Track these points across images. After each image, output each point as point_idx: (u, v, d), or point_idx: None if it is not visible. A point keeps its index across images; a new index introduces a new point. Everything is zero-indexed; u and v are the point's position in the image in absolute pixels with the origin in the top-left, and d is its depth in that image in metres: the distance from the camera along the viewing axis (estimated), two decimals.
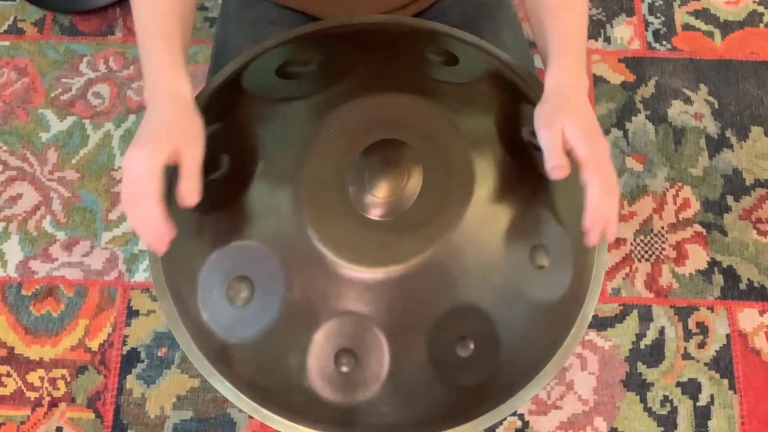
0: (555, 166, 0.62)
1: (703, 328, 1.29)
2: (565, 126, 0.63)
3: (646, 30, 1.50)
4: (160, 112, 0.63)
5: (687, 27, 1.50)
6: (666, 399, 1.25)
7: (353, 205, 0.65)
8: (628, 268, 1.32)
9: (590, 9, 1.52)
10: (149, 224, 0.60)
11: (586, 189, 0.63)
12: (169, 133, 0.62)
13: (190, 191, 0.61)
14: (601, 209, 0.63)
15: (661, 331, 1.28)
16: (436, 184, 0.65)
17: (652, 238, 1.34)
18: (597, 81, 1.46)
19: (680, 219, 1.36)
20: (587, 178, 0.63)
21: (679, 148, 1.41)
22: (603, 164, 0.64)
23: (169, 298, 0.69)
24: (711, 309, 1.30)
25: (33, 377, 1.27)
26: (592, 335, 1.28)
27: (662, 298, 1.30)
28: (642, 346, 1.28)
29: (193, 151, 0.62)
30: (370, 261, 0.63)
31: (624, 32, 1.50)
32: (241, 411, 1.12)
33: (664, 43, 1.49)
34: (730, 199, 1.37)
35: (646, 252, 1.34)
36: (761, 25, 1.51)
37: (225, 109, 0.75)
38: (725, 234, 1.35)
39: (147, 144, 0.60)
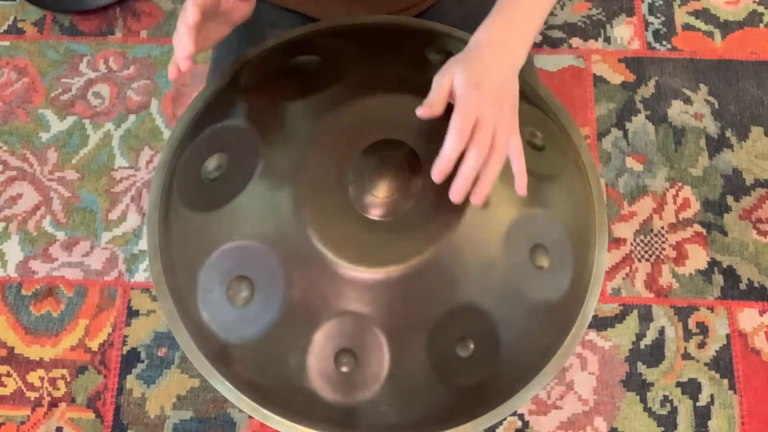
0: (423, 104, 0.62)
1: (703, 328, 1.29)
2: (455, 74, 0.63)
3: (646, 30, 1.50)
4: None
5: (687, 27, 1.50)
6: (666, 399, 1.25)
7: (353, 205, 0.65)
8: (628, 268, 1.32)
9: (590, 9, 1.52)
10: (177, 33, 0.65)
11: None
12: None
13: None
14: (449, 161, 0.61)
15: (661, 331, 1.28)
16: (436, 184, 0.65)
17: (652, 238, 1.34)
18: (597, 81, 1.46)
19: (680, 219, 1.36)
20: (450, 124, 0.61)
21: (679, 148, 1.41)
22: (472, 114, 0.62)
23: (169, 298, 0.69)
24: (711, 309, 1.30)
25: (33, 377, 1.27)
26: (592, 335, 1.28)
27: (662, 298, 1.30)
28: (642, 346, 1.28)
29: None
30: (370, 261, 0.63)
31: (624, 32, 1.50)
32: (241, 411, 1.12)
33: (664, 43, 1.49)
34: (730, 199, 1.37)
35: (646, 252, 1.34)
36: (761, 25, 1.51)
37: (225, 109, 0.75)
38: (725, 234, 1.35)
39: None
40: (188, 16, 0.64)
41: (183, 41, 0.65)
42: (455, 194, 0.62)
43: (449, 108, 0.63)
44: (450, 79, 0.63)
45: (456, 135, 0.61)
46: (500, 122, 0.63)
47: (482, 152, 0.62)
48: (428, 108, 0.62)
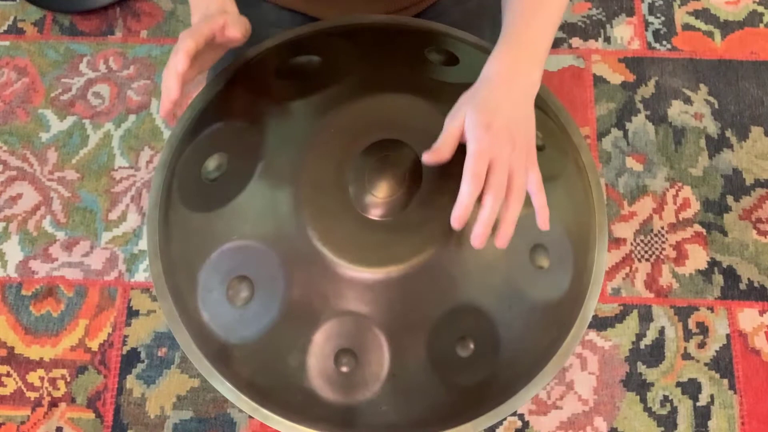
0: (432, 149, 0.61)
1: (703, 328, 1.29)
2: (466, 116, 0.62)
3: (646, 30, 1.50)
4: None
5: (687, 27, 1.50)
6: (666, 399, 1.25)
7: (353, 205, 0.65)
8: (628, 268, 1.32)
9: (590, 9, 1.52)
10: (172, 57, 0.65)
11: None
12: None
13: (238, 23, 0.68)
14: (466, 207, 0.60)
15: (661, 331, 1.28)
16: (436, 183, 0.65)
17: (652, 238, 1.34)
18: (597, 81, 1.46)
19: (680, 219, 1.36)
20: (464, 170, 0.60)
21: (679, 148, 1.41)
22: (485, 157, 0.60)
23: (169, 298, 0.69)
24: (711, 309, 1.30)
25: (33, 377, 1.27)
26: (592, 335, 1.28)
27: (662, 298, 1.30)
28: (642, 346, 1.28)
29: (243, 18, 0.70)
30: (370, 261, 0.63)
31: (624, 32, 1.50)
32: (241, 411, 1.13)
33: (664, 43, 1.49)
34: (730, 199, 1.37)
35: (646, 252, 1.34)
36: (761, 25, 1.51)
37: (225, 109, 0.75)
38: (725, 234, 1.35)
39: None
40: (178, 64, 0.64)
41: (171, 86, 0.64)
42: (476, 240, 0.60)
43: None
44: (461, 122, 0.62)
45: (471, 180, 0.60)
46: (516, 161, 0.62)
47: (499, 195, 0.61)
48: (436, 153, 0.61)
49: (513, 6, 0.70)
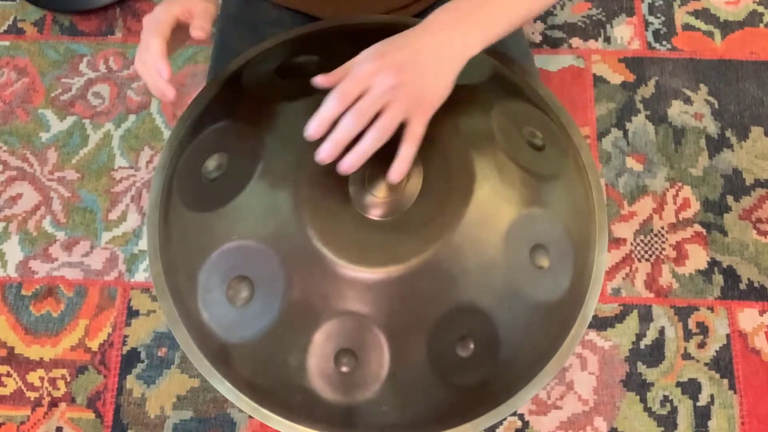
0: (321, 76, 0.60)
1: (703, 328, 1.29)
2: (369, 49, 0.60)
3: (646, 30, 1.50)
4: None
5: (687, 27, 1.50)
6: (666, 399, 1.25)
7: (353, 205, 0.65)
8: (628, 268, 1.32)
9: (590, 9, 1.52)
10: (150, 59, 0.64)
11: None
12: None
13: (202, 28, 0.66)
14: (322, 119, 0.58)
15: (661, 331, 1.28)
16: (436, 183, 0.65)
17: (652, 238, 1.34)
18: (597, 81, 1.46)
19: (680, 219, 1.36)
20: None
21: (679, 148, 1.41)
22: (361, 81, 0.58)
23: (169, 298, 0.69)
24: (711, 309, 1.30)
25: (33, 377, 1.27)
26: (592, 335, 1.28)
27: (662, 298, 1.30)
28: (642, 346, 1.28)
29: (205, 6, 0.67)
30: (370, 261, 0.63)
31: (624, 32, 1.50)
32: (241, 411, 1.13)
33: (664, 43, 1.49)
34: (730, 199, 1.37)
35: (646, 252, 1.34)
36: (761, 25, 1.51)
37: (225, 109, 0.75)
38: (725, 234, 1.35)
39: (164, 2, 0.68)
40: (161, 70, 0.63)
41: (158, 67, 0.64)
42: (319, 153, 0.58)
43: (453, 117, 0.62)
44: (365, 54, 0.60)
45: (334, 95, 0.58)
46: (396, 98, 0.58)
47: (357, 120, 0.57)
48: (327, 77, 0.59)
49: None
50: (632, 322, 1.29)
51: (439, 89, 0.61)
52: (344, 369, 0.64)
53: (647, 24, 1.51)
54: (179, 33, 0.69)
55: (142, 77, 0.66)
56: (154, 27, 0.65)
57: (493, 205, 0.66)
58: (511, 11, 0.65)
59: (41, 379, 1.27)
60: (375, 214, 0.65)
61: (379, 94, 0.58)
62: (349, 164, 0.59)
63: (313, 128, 0.58)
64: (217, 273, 0.66)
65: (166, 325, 1.22)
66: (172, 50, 0.69)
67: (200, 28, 0.66)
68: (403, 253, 0.64)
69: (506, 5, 0.65)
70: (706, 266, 1.33)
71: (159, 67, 0.64)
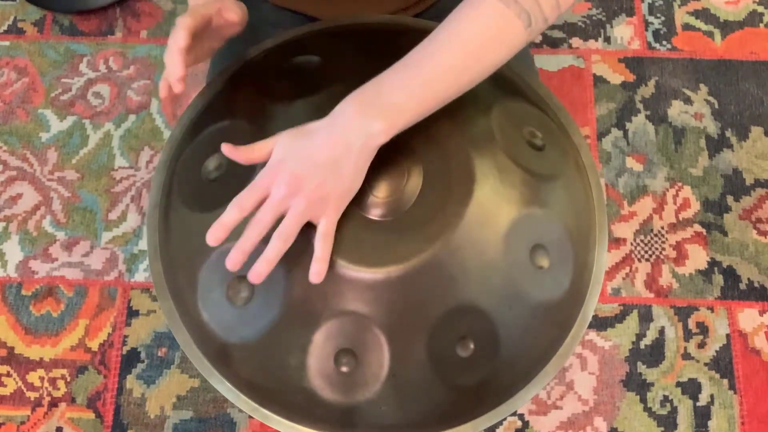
0: (232, 147, 0.62)
1: (703, 328, 1.29)
2: (277, 143, 0.61)
3: (646, 30, 1.50)
4: None
5: (687, 27, 1.50)
6: (666, 399, 1.25)
7: (353, 204, 0.65)
8: (628, 268, 1.32)
9: (590, 9, 1.52)
10: (170, 48, 0.65)
11: None
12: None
13: (234, 10, 0.69)
14: (220, 226, 0.59)
15: (661, 331, 1.28)
16: (436, 184, 0.65)
17: (652, 238, 1.34)
18: (597, 81, 1.46)
19: (680, 219, 1.36)
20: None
21: (679, 148, 1.41)
22: (258, 191, 0.60)
23: (169, 298, 0.69)
24: (711, 309, 1.30)
25: (33, 377, 1.27)
26: (592, 335, 1.28)
27: (662, 298, 1.30)
28: (642, 346, 1.28)
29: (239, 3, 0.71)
30: (370, 261, 0.63)
31: (624, 32, 1.50)
32: (241, 411, 1.13)
33: (664, 43, 1.49)
34: (730, 199, 1.37)
35: (646, 252, 1.34)
36: (761, 25, 1.51)
37: (225, 109, 0.75)
38: (725, 234, 1.35)
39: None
40: (178, 39, 0.64)
41: (174, 64, 0.65)
42: (227, 261, 0.60)
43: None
44: (271, 146, 0.61)
45: (231, 206, 0.59)
46: (294, 206, 0.59)
47: (255, 230, 0.59)
48: (232, 150, 0.61)
49: (412, 50, 0.63)
50: (632, 322, 1.29)
51: (344, 186, 0.61)
52: (344, 369, 0.64)
53: (647, 24, 1.51)
54: (208, 40, 0.70)
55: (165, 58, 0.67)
56: (186, 14, 0.66)
57: (493, 205, 0.66)
58: (424, 92, 0.61)
59: (41, 379, 1.27)
60: (375, 214, 0.65)
61: (276, 203, 0.59)
62: (258, 272, 0.60)
63: (211, 235, 0.60)
64: (217, 273, 0.66)
65: (166, 325, 1.22)
66: (198, 57, 0.70)
67: (232, 10, 0.69)
68: (403, 253, 0.64)
69: (418, 86, 0.61)
70: (706, 266, 1.33)
71: (176, 36, 0.65)
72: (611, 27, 1.51)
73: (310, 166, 0.60)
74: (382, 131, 0.60)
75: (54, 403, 1.26)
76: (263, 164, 0.65)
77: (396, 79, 0.61)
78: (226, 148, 0.62)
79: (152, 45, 1.50)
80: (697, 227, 1.35)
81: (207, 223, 0.68)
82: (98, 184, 1.40)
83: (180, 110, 0.76)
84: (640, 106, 1.44)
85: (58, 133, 1.44)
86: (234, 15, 0.69)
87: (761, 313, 1.30)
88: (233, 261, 0.60)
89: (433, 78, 0.61)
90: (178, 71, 0.65)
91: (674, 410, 1.24)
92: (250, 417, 1.13)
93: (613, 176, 1.39)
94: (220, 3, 0.69)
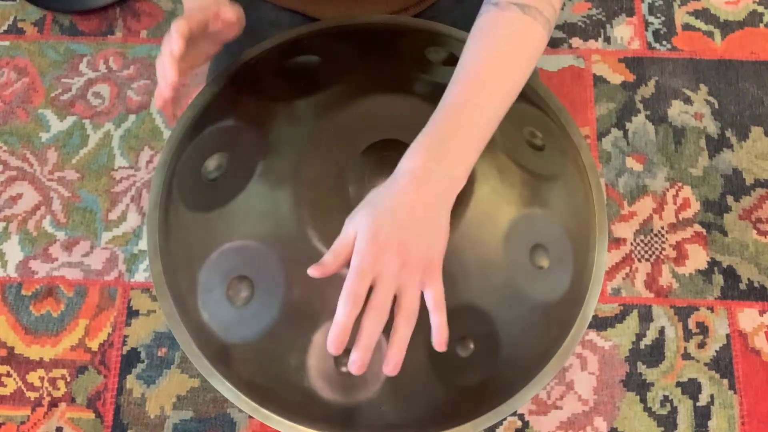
0: (318, 263, 0.56)
1: (703, 328, 1.29)
2: (358, 222, 0.57)
3: (646, 30, 1.50)
4: None
5: (687, 27, 1.50)
6: (666, 399, 1.25)
7: (353, 205, 0.65)
8: (628, 268, 1.32)
9: (590, 9, 1.52)
10: (163, 53, 0.63)
11: None
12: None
13: (231, 10, 0.68)
14: (341, 328, 0.55)
15: (661, 331, 1.28)
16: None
17: (652, 238, 1.34)
18: (597, 81, 1.46)
19: (680, 219, 1.36)
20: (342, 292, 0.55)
21: (679, 148, 1.41)
22: (367, 274, 0.55)
23: (169, 298, 0.69)
24: (711, 309, 1.30)
25: (33, 377, 1.27)
26: (592, 335, 1.28)
27: (662, 298, 1.30)
28: (642, 346, 1.28)
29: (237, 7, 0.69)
30: None
31: (624, 32, 1.50)
32: (241, 411, 1.12)
33: (664, 43, 1.49)
34: (730, 199, 1.37)
35: (646, 252, 1.34)
36: (761, 25, 1.51)
37: (225, 109, 0.75)
38: (725, 234, 1.35)
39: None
40: (173, 45, 0.62)
41: (167, 69, 0.63)
42: (353, 366, 0.55)
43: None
44: (353, 231, 0.56)
45: (345, 300, 0.54)
46: (406, 278, 0.55)
47: (379, 318, 0.55)
48: (321, 268, 0.56)
49: (455, 82, 0.61)
50: (632, 322, 1.29)
51: (441, 239, 0.58)
52: (344, 369, 0.64)
53: (647, 24, 1.51)
54: (205, 43, 0.69)
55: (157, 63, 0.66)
56: (181, 17, 0.64)
57: (493, 205, 0.66)
58: (480, 123, 0.61)
59: (41, 379, 1.27)
60: None
61: (391, 283, 0.55)
62: (393, 360, 0.55)
63: (334, 344, 0.55)
64: (217, 273, 0.66)
65: (166, 325, 1.22)
66: (196, 61, 0.70)
67: (229, 11, 0.67)
68: None
69: (472, 120, 0.60)
70: (706, 266, 1.33)
71: (170, 41, 0.63)
72: (611, 27, 1.50)
73: (411, 231, 0.56)
74: (463, 175, 0.59)
75: (54, 403, 1.26)
76: (266, 158, 0.64)
77: (466, 118, 0.60)
78: (313, 271, 0.56)
79: (152, 45, 1.50)
80: (697, 227, 1.35)
81: (207, 223, 0.68)
82: (98, 184, 1.40)
83: (180, 110, 0.76)
84: (640, 106, 1.44)
85: (58, 133, 1.44)
86: (231, 15, 0.68)
87: (761, 313, 1.30)
88: (360, 363, 0.54)
89: (499, 106, 0.62)
90: (171, 77, 0.63)
91: (674, 410, 1.24)
92: (250, 417, 1.13)
93: (613, 176, 1.39)
94: (217, 6, 0.68)
